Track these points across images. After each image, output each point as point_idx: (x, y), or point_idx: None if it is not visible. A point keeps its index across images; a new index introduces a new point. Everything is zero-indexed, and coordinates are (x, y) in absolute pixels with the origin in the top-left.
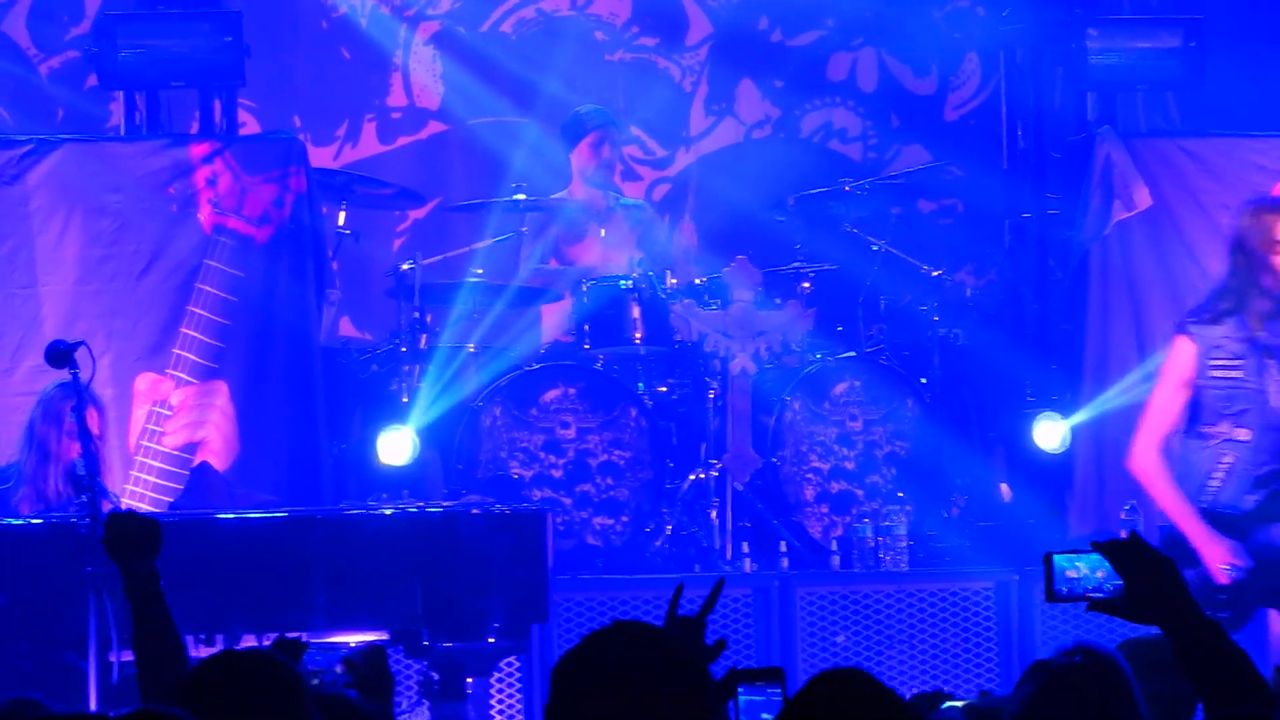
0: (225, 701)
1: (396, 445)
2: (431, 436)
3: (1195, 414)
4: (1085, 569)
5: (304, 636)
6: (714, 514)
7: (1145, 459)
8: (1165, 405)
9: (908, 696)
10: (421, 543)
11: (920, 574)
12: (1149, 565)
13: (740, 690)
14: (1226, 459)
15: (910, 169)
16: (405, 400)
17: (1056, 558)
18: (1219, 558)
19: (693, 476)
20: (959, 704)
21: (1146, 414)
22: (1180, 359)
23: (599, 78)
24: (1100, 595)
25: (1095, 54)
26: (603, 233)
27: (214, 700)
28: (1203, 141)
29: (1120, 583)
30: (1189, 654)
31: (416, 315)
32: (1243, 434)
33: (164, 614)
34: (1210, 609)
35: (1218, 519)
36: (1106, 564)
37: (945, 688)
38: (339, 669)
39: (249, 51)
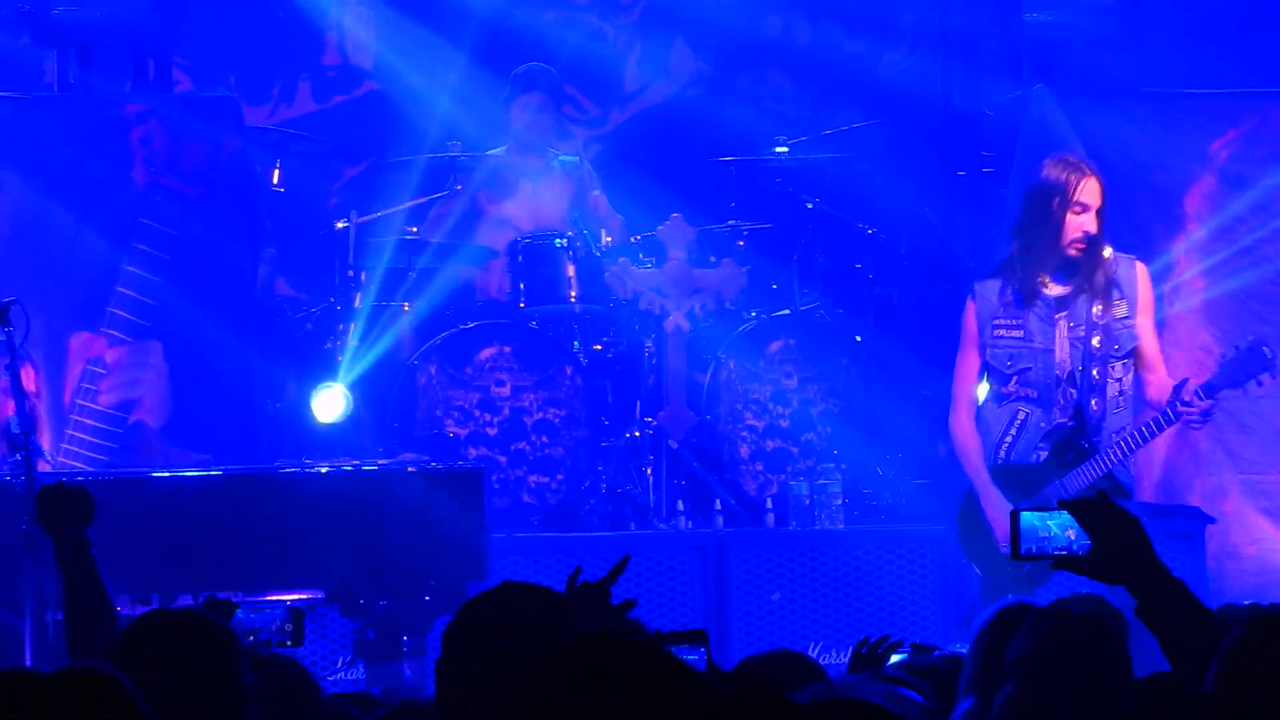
0: (157, 659)
1: (329, 402)
2: (366, 395)
3: (989, 375)
4: (1053, 528)
5: (239, 596)
6: (649, 471)
7: (954, 422)
8: (962, 368)
9: (846, 652)
10: (358, 501)
11: (855, 531)
12: (1116, 524)
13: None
14: (1020, 417)
15: (845, 127)
16: (338, 358)
17: (1024, 515)
18: (999, 512)
19: (628, 434)
20: (895, 658)
21: (955, 374)
22: (968, 318)
23: (533, 36)
24: (1065, 554)
25: (1030, 12)
26: (533, 189)
27: (146, 659)
28: (1137, 99)
29: (1088, 542)
30: (1154, 611)
31: (351, 273)
32: (1031, 392)
33: (95, 580)
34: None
35: (1012, 473)
36: (1074, 523)
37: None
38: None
39: (183, 10)
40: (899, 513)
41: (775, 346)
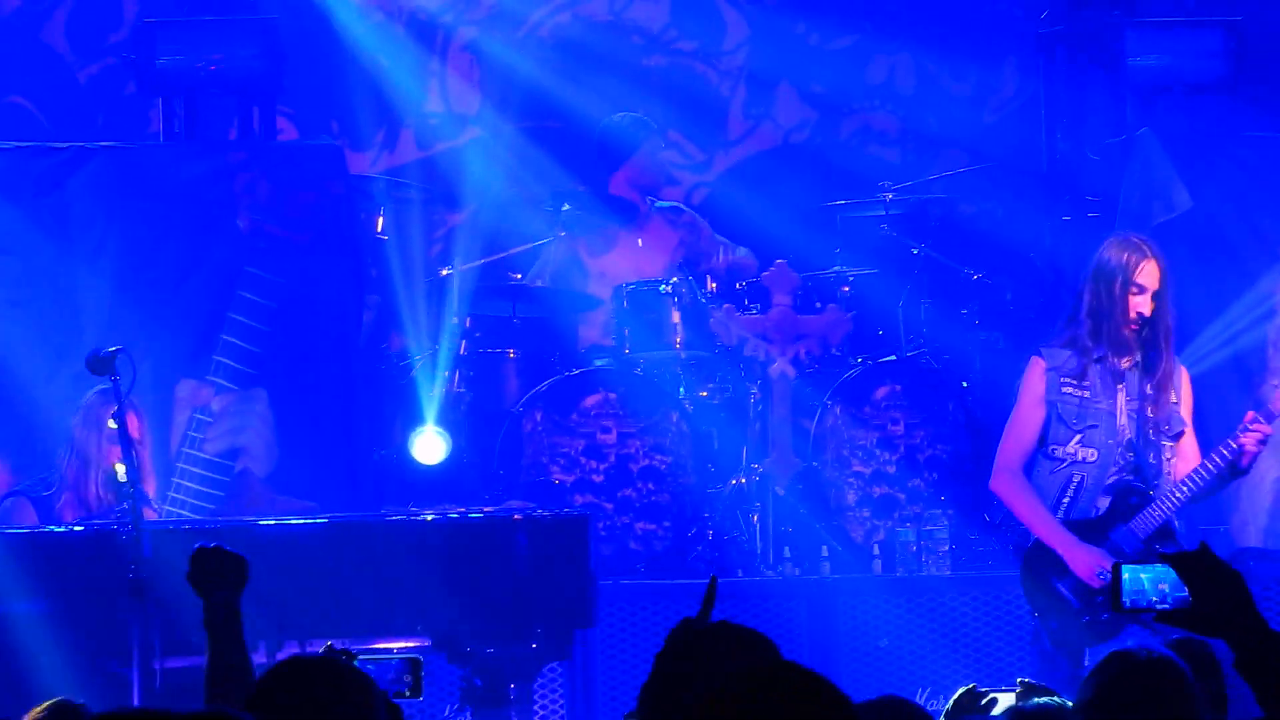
0: (296, 707)
1: (429, 444)
2: (472, 442)
3: (1046, 433)
4: (1153, 580)
5: (346, 643)
6: (755, 518)
7: (1006, 477)
8: (1023, 424)
9: (950, 698)
10: (463, 549)
11: (962, 578)
12: (1216, 577)
13: None
14: (1075, 480)
15: (949, 172)
16: (439, 404)
17: (1125, 569)
18: (1087, 563)
19: (734, 481)
20: (1000, 696)
21: (1006, 434)
22: (1034, 377)
23: (636, 83)
24: (1166, 607)
25: (1134, 55)
26: (639, 242)
27: (285, 706)
28: (1243, 143)
29: (1185, 594)
30: (1254, 664)
31: (455, 320)
32: (1090, 454)
33: (241, 646)
34: (1089, 614)
35: (1075, 528)
36: (1174, 576)
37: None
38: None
39: (287, 59)
40: (1006, 559)
41: (881, 392)
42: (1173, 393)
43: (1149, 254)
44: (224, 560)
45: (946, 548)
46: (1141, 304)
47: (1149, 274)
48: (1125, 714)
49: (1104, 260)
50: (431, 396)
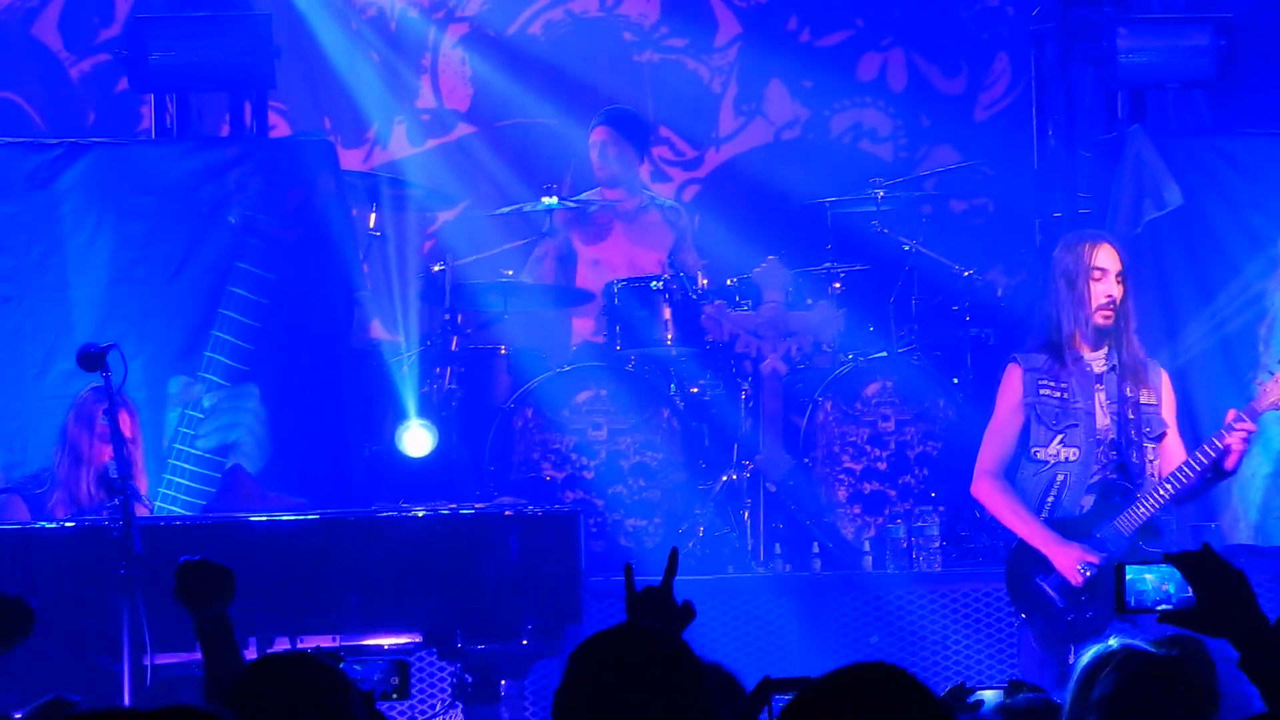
0: (272, 702)
1: (417, 438)
2: (463, 438)
3: (1026, 436)
4: (1156, 580)
5: (337, 639)
6: (746, 515)
7: (986, 482)
8: (1001, 429)
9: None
10: (454, 545)
11: (953, 574)
12: (1219, 577)
13: (774, 699)
14: (1059, 479)
15: (940, 169)
16: (431, 400)
17: (1128, 569)
18: (1071, 560)
19: (725, 478)
20: (987, 694)
21: (985, 440)
22: (1011, 382)
23: (628, 78)
24: (1169, 607)
25: (1125, 53)
26: (628, 234)
27: (261, 702)
28: (1234, 140)
29: (1190, 594)
30: (1259, 664)
31: (447, 317)
32: (1072, 453)
33: (236, 656)
34: (1074, 611)
35: (1059, 527)
36: (1177, 575)
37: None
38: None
39: (279, 54)
40: (997, 555)
41: (872, 389)
42: (1152, 394)
43: (1102, 239)
44: (211, 572)
45: (937, 544)
46: (1108, 287)
47: (1107, 256)
48: (1143, 713)
49: (1059, 259)
50: (414, 390)
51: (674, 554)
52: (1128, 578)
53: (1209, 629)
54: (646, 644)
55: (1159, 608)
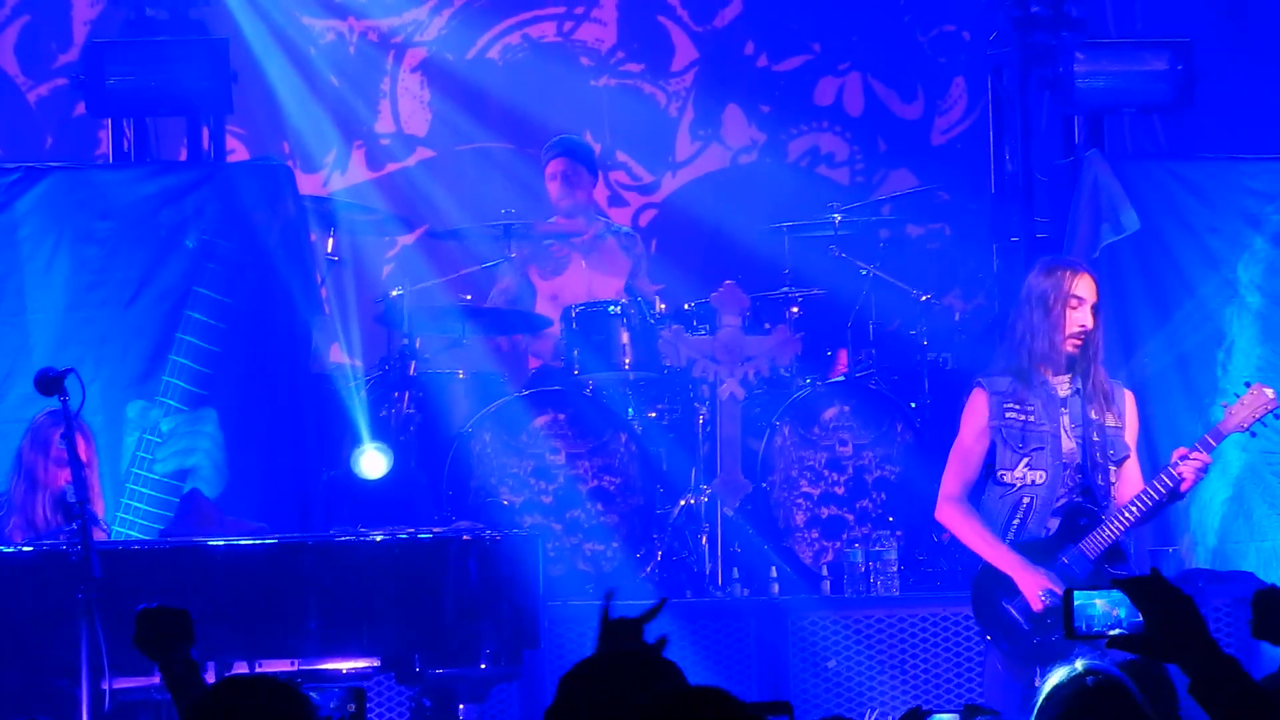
0: None
1: (373, 460)
2: (421, 462)
3: (992, 459)
4: (1105, 606)
5: (295, 663)
6: (704, 539)
7: (950, 506)
8: (966, 453)
9: None
10: (413, 569)
11: (911, 598)
12: (1169, 602)
13: None
14: (1024, 502)
15: (897, 193)
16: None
17: (1077, 594)
18: (1035, 585)
19: (683, 502)
20: (944, 717)
21: (949, 465)
22: (976, 407)
23: (585, 104)
24: (1120, 631)
25: (1082, 77)
26: (584, 265)
27: None
28: (1191, 165)
29: (1139, 620)
30: (1208, 689)
31: (405, 341)
32: (1038, 476)
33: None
34: (1040, 634)
35: (1024, 550)
36: (1127, 601)
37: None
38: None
39: (236, 79)
40: (955, 579)
41: (830, 413)
42: (1116, 417)
43: (1082, 268)
44: (169, 617)
45: (895, 569)
46: (1082, 316)
47: (1086, 286)
48: None
49: (1036, 283)
50: (366, 414)
51: (660, 603)
52: (1076, 603)
53: (1158, 654)
54: (641, 668)
55: (1109, 632)
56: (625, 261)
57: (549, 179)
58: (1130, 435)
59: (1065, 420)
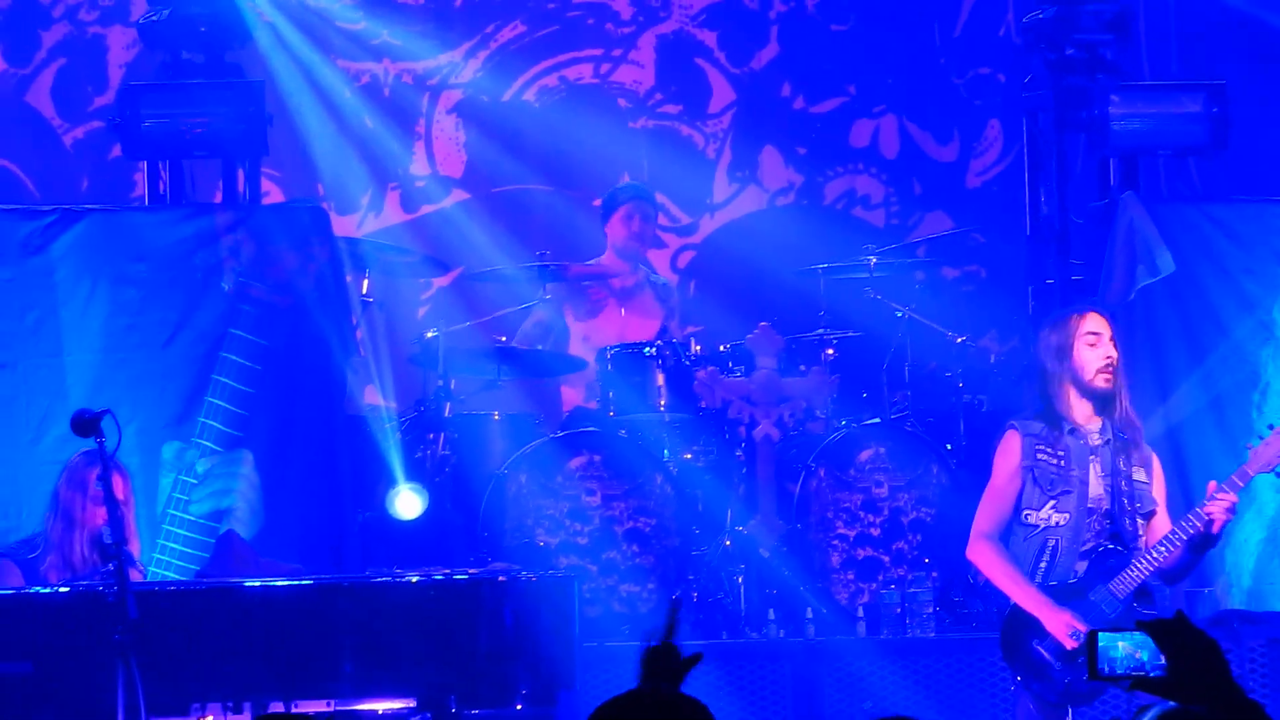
0: None
1: (408, 501)
2: (457, 504)
3: (1019, 500)
4: (1129, 648)
5: (331, 704)
6: (740, 580)
7: (982, 545)
8: (999, 493)
9: None
10: (448, 610)
11: (947, 640)
12: (1193, 645)
13: None
14: (1050, 544)
15: (933, 235)
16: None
17: (1101, 636)
18: (1061, 624)
19: (719, 543)
20: None
21: (982, 505)
22: (1009, 448)
23: (622, 145)
24: (1142, 674)
25: (1117, 120)
26: (622, 312)
27: None
28: (1226, 207)
29: (1163, 662)
30: None
31: (440, 383)
32: (1063, 518)
33: None
34: (1070, 674)
35: (1053, 592)
36: (1150, 643)
37: None
38: None
39: (271, 121)
40: (991, 621)
41: (865, 455)
42: (1144, 471)
43: (1087, 307)
44: None
45: (931, 610)
46: (1105, 349)
47: (1096, 321)
48: None
49: (1045, 340)
50: (404, 455)
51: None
52: (1100, 645)
53: (1181, 696)
54: (672, 710)
55: (1132, 674)
56: (660, 311)
57: (622, 220)
58: (1158, 491)
59: (1095, 467)
